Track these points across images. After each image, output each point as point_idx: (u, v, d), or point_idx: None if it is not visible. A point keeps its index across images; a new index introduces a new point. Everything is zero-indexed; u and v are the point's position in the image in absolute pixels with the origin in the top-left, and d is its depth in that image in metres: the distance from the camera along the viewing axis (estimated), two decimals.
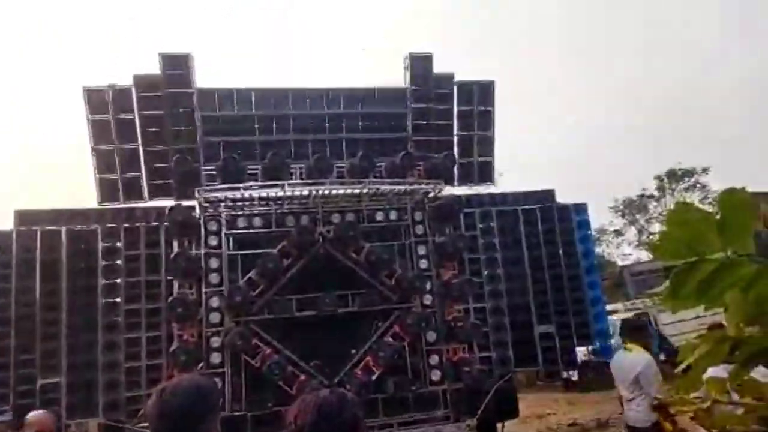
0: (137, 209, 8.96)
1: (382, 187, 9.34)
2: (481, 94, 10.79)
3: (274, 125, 9.72)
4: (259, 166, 9.17)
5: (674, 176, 34.87)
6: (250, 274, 8.41)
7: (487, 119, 10.78)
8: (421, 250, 9.54)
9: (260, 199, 8.99)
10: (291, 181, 9.00)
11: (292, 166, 9.40)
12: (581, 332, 10.30)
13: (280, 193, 8.88)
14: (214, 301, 8.25)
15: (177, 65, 9.07)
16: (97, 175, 8.81)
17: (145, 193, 8.96)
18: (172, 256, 8.30)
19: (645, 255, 35.25)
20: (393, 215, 9.57)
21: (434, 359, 9.04)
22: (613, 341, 13.59)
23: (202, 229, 8.56)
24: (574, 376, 14.74)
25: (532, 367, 10.27)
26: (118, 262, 8.48)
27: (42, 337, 8.09)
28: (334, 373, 8.36)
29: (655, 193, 35.79)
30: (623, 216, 36.97)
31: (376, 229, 9.45)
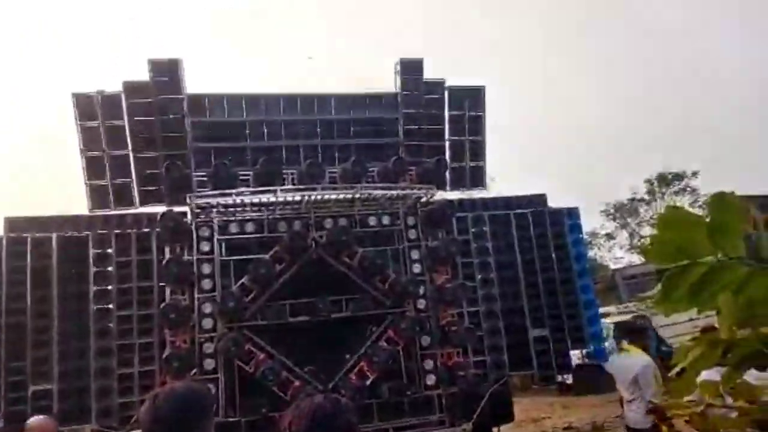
0: (128, 215, 8.92)
1: (375, 192, 9.33)
2: (471, 99, 10.84)
3: (265, 131, 9.71)
4: (251, 172, 9.14)
5: (664, 180, 35.13)
6: (242, 280, 8.37)
7: (478, 124, 10.83)
8: (414, 255, 9.55)
9: (252, 204, 8.97)
10: (283, 187, 8.99)
11: (284, 171, 9.38)
12: (575, 335, 10.31)
13: (273, 199, 8.86)
14: (207, 307, 8.20)
15: (166, 71, 9.02)
16: (87, 182, 8.76)
17: (136, 200, 8.92)
18: (164, 262, 8.25)
19: (637, 258, 35.54)
20: (386, 220, 9.57)
21: (429, 364, 9.03)
22: (606, 344, 13.64)
23: (194, 235, 8.52)
24: (569, 379, 14.77)
25: (526, 370, 10.26)
26: (110, 268, 8.42)
27: (33, 344, 8.01)
28: (329, 379, 8.32)
29: (646, 196, 36.09)
30: (614, 219, 37.23)
31: (368, 234, 9.44)
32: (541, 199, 11.15)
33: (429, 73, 10.56)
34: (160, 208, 8.80)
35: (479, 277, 10.06)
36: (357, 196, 9.15)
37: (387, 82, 10.63)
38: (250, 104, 9.73)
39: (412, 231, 9.68)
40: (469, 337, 9.36)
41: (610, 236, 37.41)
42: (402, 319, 8.91)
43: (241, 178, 9.02)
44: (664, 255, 1.44)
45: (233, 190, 8.66)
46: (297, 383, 8.04)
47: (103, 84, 9.09)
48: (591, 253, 31.24)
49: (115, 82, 9.03)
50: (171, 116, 8.99)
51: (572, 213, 11.08)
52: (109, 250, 8.47)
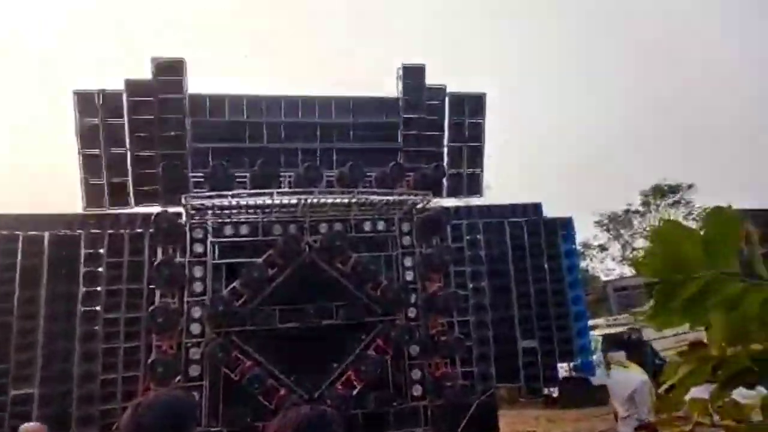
0: (122, 215, 8.85)
1: (371, 198, 9.30)
2: (472, 106, 10.82)
3: (264, 133, 9.67)
4: (248, 174, 9.08)
5: (659, 192, 35.12)
6: (234, 284, 8.31)
7: (477, 131, 10.81)
8: (408, 262, 9.52)
9: (248, 207, 8.92)
10: (279, 190, 8.94)
11: (281, 174, 9.33)
12: (564, 348, 10.30)
13: (268, 202, 8.82)
14: (196, 311, 8.13)
15: (169, 70, 8.98)
16: (84, 180, 8.70)
17: (132, 199, 8.85)
18: (155, 264, 8.17)
19: (628, 270, 35.52)
20: (381, 226, 9.54)
21: (416, 374, 8.99)
22: (594, 357, 13.57)
23: (188, 237, 8.46)
24: (555, 392, 14.65)
25: (513, 383, 10.22)
26: (100, 269, 8.33)
27: (17, 347, 7.91)
28: (315, 387, 8.27)
29: (640, 208, 36.05)
30: (608, 231, 37.17)
31: (363, 240, 9.40)
32: (536, 208, 11.11)
33: (430, 79, 10.59)
34: (155, 209, 8.73)
35: (471, 285, 10.03)
36: (353, 200, 9.12)
37: (389, 87, 10.68)
38: (250, 106, 9.68)
39: (406, 237, 9.66)
40: (457, 348, 9.32)
41: (603, 247, 37.52)
42: (392, 327, 8.86)
43: (237, 179, 8.96)
44: (658, 269, 1.41)
45: (229, 192, 8.61)
46: (282, 392, 7.98)
47: (103, 82, 8.93)
48: (583, 264, 31.21)
49: (116, 81, 8.91)
50: (171, 115, 8.94)
51: (566, 223, 11.08)
52: (101, 250, 8.39)
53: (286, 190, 9.06)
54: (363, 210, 9.45)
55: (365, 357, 8.54)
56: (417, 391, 8.84)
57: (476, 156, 10.80)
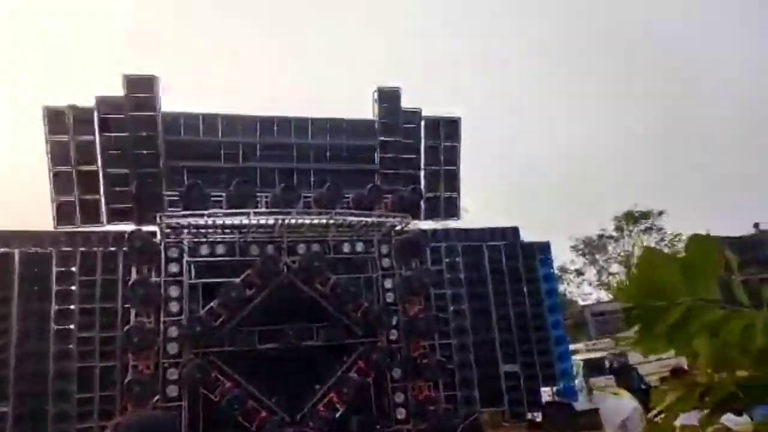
0: (94, 234, 8.65)
1: (349, 219, 9.27)
2: (447, 130, 10.89)
3: (240, 152, 9.60)
4: (224, 194, 8.97)
5: (631, 218, 35.64)
6: (211, 304, 8.14)
7: (453, 154, 10.88)
8: (388, 284, 9.47)
9: (224, 227, 8.81)
10: (257, 210, 8.86)
11: (257, 194, 9.24)
12: (546, 372, 10.29)
13: (246, 221, 8.72)
14: (173, 331, 7.94)
15: (142, 88, 8.89)
16: (54, 197, 8.49)
17: (104, 217, 8.66)
18: (130, 283, 7.97)
19: (605, 295, 35.85)
20: (359, 247, 9.49)
21: (399, 397, 8.87)
22: (576, 382, 13.58)
23: (163, 256, 8.30)
24: (539, 417, 14.61)
25: (497, 407, 10.15)
26: (73, 287, 8.13)
27: None
28: (297, 409, 8.10)
29: (614, 233, 36.49)
30: (584, 255, 37.50)
31: (342, 261, 9.32)
32: (513, 232, 11.19)
33: (405, 102, 10.66)
34: (128, 227, 8.54)
35: (452, 308, 9.99)
36: (331, 221, 9.07)
37: (365, 110, 10.70)
38: (226, 125, 9.60)
39: (385, 259, 9.61)
40: (440, 371, 9.23)
41: (579, 272, 37.81)
42: (373, 349, 8.76)
43: (213, 199, 8.84)
44: (639, 295, 1.41)
45: (206, 211, 8.50)
46: (263, 413, 7.79)
47: (76, 98, 8.78)
48: (560, 289, 31.41)
49: (88, 97, 8.74)
50: (144, 133, 8.81)
51: (544, 247, 11.15)
52: (73, 269, 8.18)
53: (263, 210, 8.98)
54: (341, 231, 9.40)
55: (347, 379, 8.41)
56: (401, 414, 8.72)
57: (452, 179, 10.85)
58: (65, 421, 7.71)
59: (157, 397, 7.60)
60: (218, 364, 7.93)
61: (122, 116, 8.82)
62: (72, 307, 8.11)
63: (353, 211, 9.49)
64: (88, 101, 8.78)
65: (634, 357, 16.08)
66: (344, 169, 10.20)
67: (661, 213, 35.10)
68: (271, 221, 8.84)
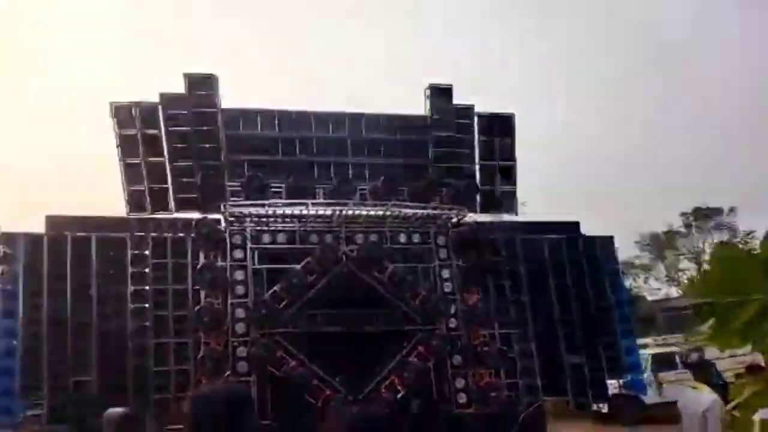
0: (163, 220, 9.06)
1: (405, 211, 9.36)
2: (501, 126, 10.90)
3: (297, 147, 9.85)
4: (283, 185, 9.22)
5: (700, 214, 34.88)
6: (275, 288, 8.34)
7: (508, 150, 10.87)
8: (445, 274, 9.49)
9: (284, 216, 9.03)
10: (314, 201, 9.05)
11: (315, 186, 9.47)
12: (611, 365, 10.07)
13: (304, 212, 8.92)
14: (240, 312, 8.23)
15: (202, 86, 9.29)
16: (126, 187, 8.94)
17: (172, 206, 9.05)
18: (198, 267, 8.36)
19: (674, 291, 34.87)
20: (416, 238, 9.60)
21: (460, 382, 8.84)
22: (645, 375, 13.23)
23: (228, 243, 8.58)
24: (604, 408, 14.33)
25: (560, 396, 9.95)
26: (146, 270, 8.52)
27: (74, 338, 8.10)
28: (359, 390, 8.18)
29: (682, 229, 35.69)
30: (650, 251, 36.68)
31: (399, 251, 9.41)
32: (573, 226, 11.07)
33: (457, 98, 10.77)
34: (195, 215, 8.92)
35: (511, 299, 9.88)
36: (387, 213, 9.18)
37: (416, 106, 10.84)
38: (282, 120, 9.94)
39: (442, 250, 9.65)
40: (501, 359, 9.13)
41: (646, 267, 37.22)
42: (433, 336, 8.74)
43: (273, 190, 9.08)
44: (714, 290, 1.42)
45: (266, 201, 8.74)
46: (327, 392, 7.91)
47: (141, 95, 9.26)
48: (627, 283, 30.63)
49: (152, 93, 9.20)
50: (205, 128, 9.19)
51: (607, 242, 10.97)
52: (146, 252, 8.59)
53: (321, 201, 9.17)
54: (397, 223, 9.50)
55: (407, 363, 8.45)
56: (462, 398, 8.70)
57: (509, 174, 10.83)
58: (143, 392, 8.04)
59: (228, 373, 7.81)
60: (283, 344, 8.12)
61: (185, 112, 9.24)
62: (146, 287, 8.47)
63: (409, 203, 9.57)
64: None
65: (710, 352, 15.70)
66: (398, 164, 10.32)
67: (732, 210, 34.26)
68: (328, 212, 9.02)
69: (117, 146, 8.93)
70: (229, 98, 9.62)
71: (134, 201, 8.86)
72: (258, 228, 8.91)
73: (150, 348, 8.27)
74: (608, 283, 10.50)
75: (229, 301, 8.28)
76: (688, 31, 62.49)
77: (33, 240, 8.34)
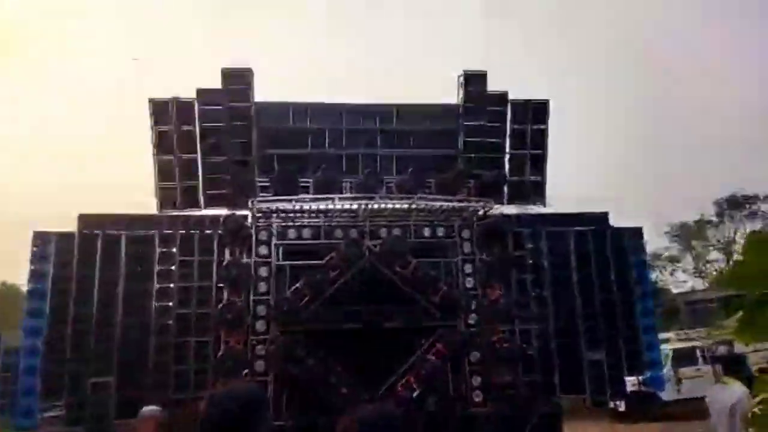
0: (192, 217, 9.27)
1: (431, 204, 9.37)
2: (535, 112, 10.67)
3: (327, 139, 9.91)
4: (311, 180, 9.35)
5: (735, 202, 33.41)
6: (297, 285, 8.57)
7: (540, 138, 10.66)
8: (468, 269, 9.54)
9: (310, 211, 9.18)
10: (341, 195, 9.15)
11: (343, 180, 9.55)
12: (632, 361, 10.01)
13: (330, 207, 9.05)
14: (261, 310, 8.48)
15: (237, 80, 9.38)
16: (158, 183, 9.19)
17: (202, 202, 9.28)
18: (224, 264, 8.58)
19: (701, 283, 33.89)
20: (440, 232, 9.62)
21: (477, 380, 8.98)
22: (665, 371, 13.09)
23: (254, 239, 8.82)
24: (621, 406, 14.32)
25: (577, 394, 9.98)
26: (173, 267, 8.78)
27: (96, 338, 8.40)
28: (376, 388, 8.40)
29: (714, 218, 34.31)
30: (678, 242, 35.50)
31: (423, 245, 9.48)
32: (602, 217, 10.85)
33: (491, 86, 10.56)
34: (223, 211, 9.13)
35: (533, 294, 9.88)
36: (413, 206, 9.22)
37: (449, 95, 10.69)
38: (314, 113, 9.98)
39: (466, 244, 9.68)
40: (519, 356, 9.21)
41: (673, 259, 36.16)
42: (452, 332, 8.88)
43: (301, 185, 9.24)
44: (743, 282, 1.42)
45: (294, 197, 8.90)
46: (344, 390, 8.15)
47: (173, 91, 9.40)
48: (653, 276, 30.01)
49: (186, 90, 9.35)
50: (239, 123, 9.32)
51: (635, 233, 10.76)
52: (174, 249, 8.84)
53: (348, 195, 9.26)
54: (423, 216, 9.53)
55: (425, 361, 8.61)
56: (478, 397, 8.84)
57: (539, 163, 10.65)
58: (163, 390, 8.28)
59: (246, 371, 8.11)
60: (303, 342, 8.34)
61: (219, 107, 9.36)
62: (171, 285, 8.75)
63: (435, 196, 9.57)
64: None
65: (738, 346, 15.36)
66: (427, 155, 10.27)
67: (767, 197, 32.60)
68: (354, 206, 9.12)
69: (152, 143, 9.17)
70: (261, 92, 9.75)
71: (165, 198, 9.12)
72: (284, 224, 9.08)
73: (171, 347, 8.51)
74: (634, 276, 10.36)
75: (251, 299, 8.52)
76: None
77: (65, 239, 8.59)
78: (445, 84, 10.68)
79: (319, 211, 9.21)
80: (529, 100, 10.79)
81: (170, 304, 8.69)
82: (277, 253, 8.96)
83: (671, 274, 36.75)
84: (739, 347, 14.86)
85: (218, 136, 9.31)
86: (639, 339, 10.13)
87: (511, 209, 10.62)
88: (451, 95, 10.58)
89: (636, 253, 10.65)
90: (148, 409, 5.47)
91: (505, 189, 10.40)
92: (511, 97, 10.61)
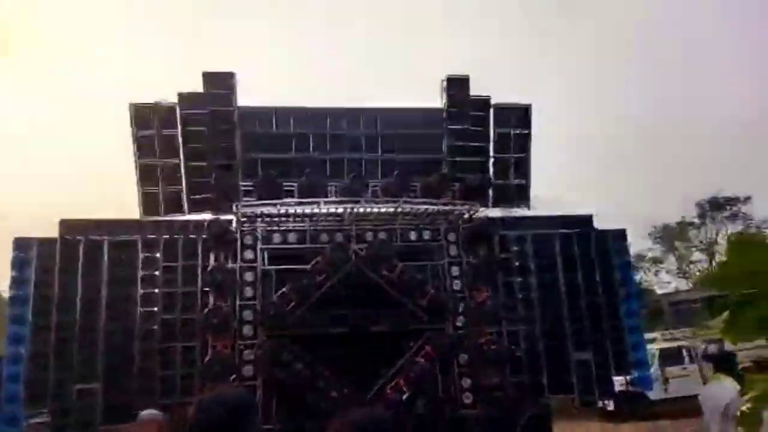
0: (175, 222, 9.20)
1: (416, 207, 9.38)
2: (517, 117, 10.76)
3: (311, 144, 9.89)
4: (296, 184, 9.31)
5: (715, 204, 34.10)
6: (283, 289, 8.50)
7: (523, 142, 10.75)
8: (455, 272, 9.54)
9: (296, 215, 9.13)
10: (326, 199, 9.12)
11: (328, 184, 9.52)
12: (619, 361, 10.06)
13: (316, 210, 9.01)
14: (248, 315, 8.41)
15: (220, 84, 9.33)
16: (141, 189, 9.10)
17: (185, 207, 9.21)
18: (208, 269, 8.50)
19: (684, 284, 34.39)
20: (426, 235, 9.62)
21: (466, 382, 8.96)
22: (651, 371, 13.23)
23: (239, 243, 8.74)
24: (610, 405, 14.46)
25: (566, 394, 10.01)
26: (156, 272, 8.69)
27: (80, 344, 8.29)
28: (365, 391, 8.34)
29: (696, 220, 34.98)
30: (661, 243, 36.10)
31: (409, 249, 9.47)
32: (587, 219, 10.94)
33: (478, 86, 10.64)
34: (207, 216, 9.06)
35: (520, 296, 9.91)
36: (399, 210, 9.21)
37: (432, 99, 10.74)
38: (297, 117, 9.95)
39: (453, 247, 9.69)
40: (507, 357, 9.21)
41: (657, 260, 36.70)
42: (440, 335, 8.85)
43: (286, 189, 9.19)
44: (727, 282, 1.41)
45: (278, 201, 8.85)
46: (333, 394, 8.07)
47: (159, 92, 9.35)
48: (637, 277, 30.39)
49: (168, 93, 9.30)
50: (222, 127, 9.26)
51: (619, 235, 10.85)
52: (157, 255, 8.75)
53: (333, 199, 9.23)
54: (408, 219, 9.53)
55: (413, 363, 8.58)
56: (467, 398, 8.82)
57: (523, 167, 10.73)
58: (149, 396, 8.13)
59: (234, 376, 8.03)
60: (290, 347, 8.26)
61: (202, 112, 9.29)
62: (156, 291, 8.64)
63: (420, 199, 9.57)
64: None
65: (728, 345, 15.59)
66: (412, 159, 10.29)
67: (747, 198, 33.29)
68: (340, 210, 9.09)
69: (134, 147, 9.06)
70: (244, 96, 9.70)
71: (148, 203, 9.03)
72: (269, 228, 9.02)
73: (156, 352, 8.42)
74: (619, 277, 10.43)
75: (237, 303, 8.44)
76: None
77: (46, 244, 8.48)
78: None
79: (304, 215, 9.16)
80: (511, 104, 10.88)
81: (155, 309, 8.59)
82: (263, 258, 8.89)
83: (655, 275, 37.31)
84: (729, 346, 15.17)
85: (200, 140, 9.24)
86: (625, 339, 10.20)
87: (496, 212, 10.70)
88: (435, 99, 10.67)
89: (620, 255, 10.73)
90: (148, 412, 5.35)
91: (490, 192, 10.45)
92: (493, 101, 10.69)
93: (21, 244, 8.48)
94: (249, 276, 8.63)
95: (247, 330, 8.37)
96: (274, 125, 9.87)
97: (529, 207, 10.97)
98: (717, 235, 34.26)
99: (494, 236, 9.92)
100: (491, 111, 10.70)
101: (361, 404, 7.93)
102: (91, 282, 8.45)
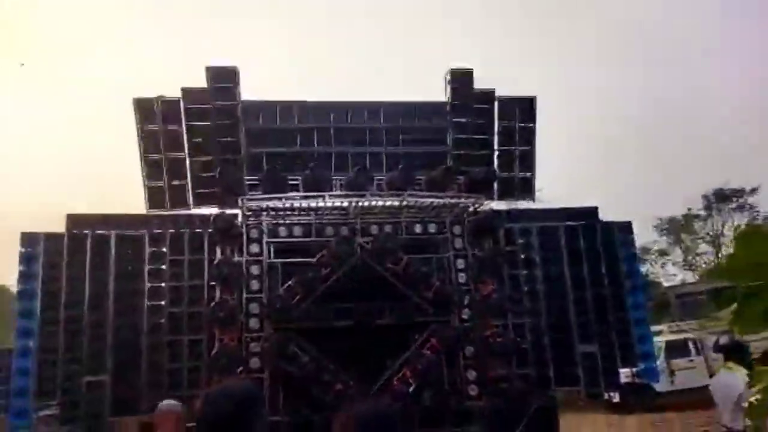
0: (181, 216, 9.22)
1: (421, 200, 9.38)
2: (522, 110, 10.74)
3: (315, 138, 9.89)
4: (301, 178, 9.31)
5: (722, 196, 33.89)
6: (289, 282, 8.54)
7: (528, 135, 10.73)
8: (460, 264, 9.55)
9: (301, 209, 9.16)
10: (331, 193, 9.14)
11: (333, 178, 9.54)
12: (625, 353, 10.05)
13: (321, 204, 9.03)
14: (254, 308, 8.46)
15: (223, 78, 9.34)
16: (146, 183, 9.13)
17: (191, 201, 9.22)
18: (215, 262, 8.54)
19: (691, 276, 34.27)
20: (432, 228, 9.64)
21: (472, 374, 8.99)
22: (658, 363, 13.25)
23: (244, 237, 8.78)
24: (616, 397, 14.48)
25: (572, 386, 10.01)
26: (163, 266, 8.73)
27: (89, 337, 8.35)
28: (371, 383, 8.38)
29: (702, 212, 34.77)
30: (667, 235, 35.94)
31: (414, 242, 9.48)
32: (592, 212, 10.92)
33: (479, 83, 10.60)
34: (212, 210, 9.10)
35: (525, 289, 9.91)
36: (404, 203, 9.22)
37: (436, 92, 10.73)
38: (300, 112, 9.94)
39: (458, 240, 9.69)
40: (513, 350, 9.22)
41: (663, 252, 36.58)
42: (445, 328, 8.87)
43: (290, 183, 9.21)
44: (738, 273, 1.39)
45: (283, 194, 8.88)
46: (339, 386, 8.12)
47: (162, 90, 9.38)
48: (643, 269, 30.25)
49: (173, 89, 9.32)
50: (226, 122, 9.28)
51: (625, 227, 10.82)
52: (164, 249, 8.79)
53: (338, 193, 9.25)
54: (413, 213, 9.54)
55: (420, 356, 8.60)
56: (473, 390, 8.84)
57: (527, 160, 10.71)
58: (157, 389, 8.21)
59: (241, 369, 8.08)
60: (296, 339, 8.31)
61: (206, 106, 9.31)
62: (162, 284, 8.70)
63: (425, 192, 9.58)
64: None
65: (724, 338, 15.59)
66: (416, 152, 10.29)
67: (754, 190, 33.05)
68: (345, 203, 9.10)
69: (138, 142, 9.09)
70: (248, 90, 9.72)
71: (154, 197, 9.06)
72: (274, 222, 9.06)
73: (164, 345, 8.47)
74: (625, 269, 10.41)
75: (244, 296, 8.49)
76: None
77: (53, 239, 8.53)
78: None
79: (309, 208, 9.18)
80: (516, 97, 10.86)
81: (162, 302, 8.64)
82: (269, 251, 8.93)
83: (662, 267, 37.19)
84: (739, 336, 15.19)
85: (205, 135, 9.26)
86: (631, 332, 10.19)
87: (501, 205, 10.70)
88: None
89: (626, 247, 10.71)
90: (167, 403, 5.34)
91: (495, 185, 10.44)
92: (498, 94, 10.67)
93: (28, 240, 8.53)
94: (255, 269, 8.67)
95: (253, 323, 8.41)
96: (278, 119, 9.87)
97: (534, 200, 10.98)
98: (723, 226, 34.15)
99: (499, 229, 9.91)
100: (496, 104, 10.65)
101: (367, 396, 8.00)
102: (99, 276, 8.50)
